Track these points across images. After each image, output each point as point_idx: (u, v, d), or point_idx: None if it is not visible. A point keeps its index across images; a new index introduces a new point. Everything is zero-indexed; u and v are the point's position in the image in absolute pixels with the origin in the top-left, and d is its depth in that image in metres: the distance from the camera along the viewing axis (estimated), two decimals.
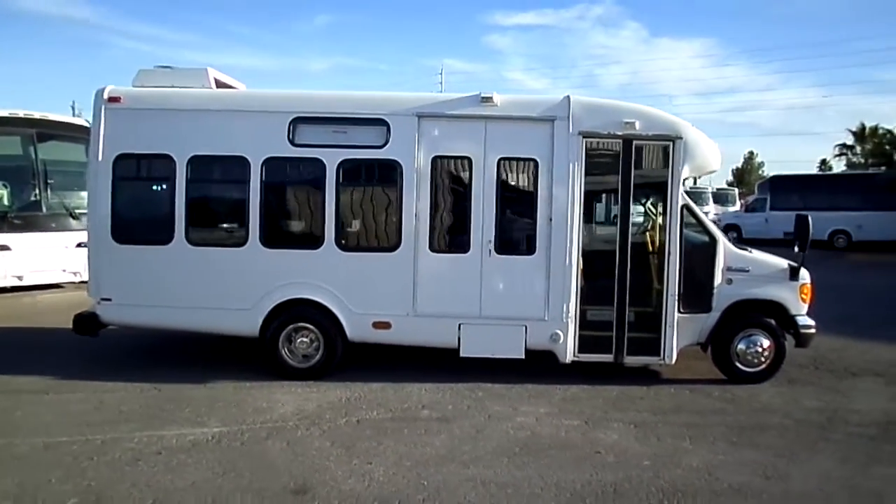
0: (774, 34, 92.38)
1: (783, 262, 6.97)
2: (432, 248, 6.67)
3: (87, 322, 6.92)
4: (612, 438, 5.34)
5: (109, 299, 6.82)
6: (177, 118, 6.79)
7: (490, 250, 6.64)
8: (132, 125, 6.79)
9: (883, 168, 23.73)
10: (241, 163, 6.70)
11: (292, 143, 6.69)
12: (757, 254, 7.08)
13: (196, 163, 6.75)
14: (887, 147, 24.75)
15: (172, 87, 7.00)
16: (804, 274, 6.90)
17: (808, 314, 6.93)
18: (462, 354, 6.75)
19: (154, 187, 7.14)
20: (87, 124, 13.07)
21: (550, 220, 6.59)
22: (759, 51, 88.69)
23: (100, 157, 6.75)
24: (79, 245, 12.22)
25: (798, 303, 6.90)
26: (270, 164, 6.71)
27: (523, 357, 6.75)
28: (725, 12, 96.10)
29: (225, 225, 7.03)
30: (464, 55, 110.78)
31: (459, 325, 6.69)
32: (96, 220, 6.81)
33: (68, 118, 12.86)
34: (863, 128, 30.53)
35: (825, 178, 28.23)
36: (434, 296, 6.67)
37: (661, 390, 6.67)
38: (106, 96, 6.78)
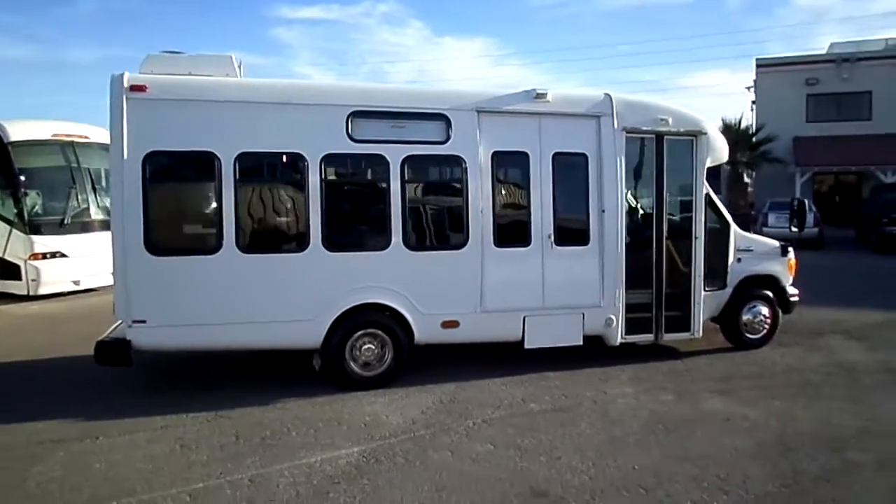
0: (547, 37, 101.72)
1: (775, 242, 8.07)
2: (497, 244, 6.67)
3: (115, 350, 5.87)
4: (720, 407, 5.85)
5: (144, 321, 5.85)
6: (218, 111, 6.02)
7: (551, 243, 6.82)
8: (163, 118, 5.90)
9: None
10: (297, 160, 6.15)
11: (351, 138, 6.27)
12: (755, 235, 8.09)
13: (245, 160, 6.04)
14: None
15: (190, 74, 6.20)
16: (790, 251, 8.05)
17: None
18: (527, 346, 6.86)
19: (195, 189, 6.24)
20: None
21: (603, 211, 6.94)
22: (534, 52, 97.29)
23: (125, 156, 5.75)
24: None
25: (787, 275, 8.03)
26: (329, 160, 6.23)
27: (581, 344, 7.05)
28: (502, 15, 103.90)
29: (281, 229, 6.36)
30: (250, 48, 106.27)
31: (524, 318, 6.79)
32: (124, 229, 5.79)
33: None
34: None
35: None
36: (500, 290, 6.68)
37: (696, 362, 7.36)
38: (126, 84, 5.79)
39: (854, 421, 5.43)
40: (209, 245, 5.97)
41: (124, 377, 6.72)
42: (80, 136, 12.89)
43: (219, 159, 5.94)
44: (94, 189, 12.85)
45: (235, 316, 6.07)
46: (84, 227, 12.49)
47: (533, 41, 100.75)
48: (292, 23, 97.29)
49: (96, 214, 12.71)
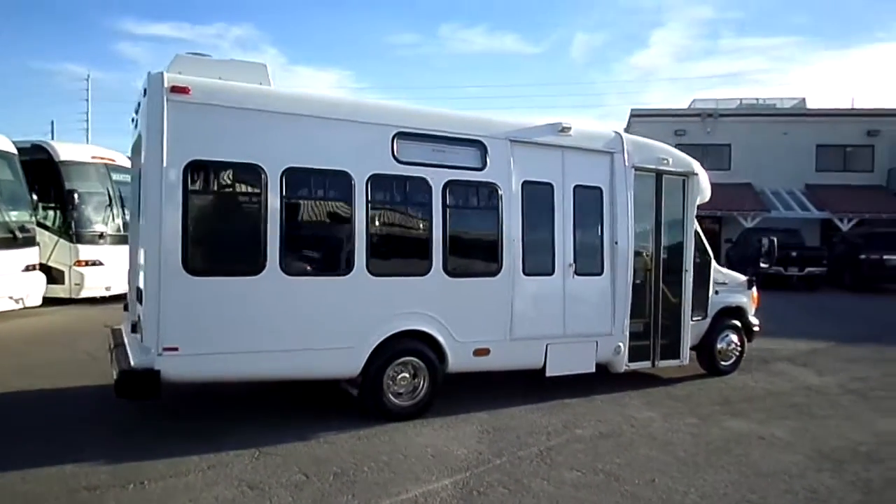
0: (400, 74, 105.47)
1: (743, 276, 8.84)
2: (525, 272, 6.74)
3: (142, 381, 5.17)
4: (745, 428, 6.24)
5: (176, 348, 5.23)
6: (265, 121, 5.60)
7: (572, 272, 7.00)
8: (206, 125, 5.40)
9: None
10: (344, 179, 5.86)
11: (397, 159, 6.10)
12: (727, 270, 8.82)
13: (291, 176, 5.66)
14: None
15: (220, 79, 5.74)
16: (754, 285, 8.87)
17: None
18: (548, 374, 6.94)
19: (238, 204, 5.70)
20: None
21: (616, 242, 7.26)
22: (388, 87, 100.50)
23: (164, 164, 5.18)
24: None
25: (752, 307, 8.82)
26: (375, 181, 6.00)
27: (594, 371, 7.25)
28: (357, 50, 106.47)
29: (326, 250, 5.96)
30: (89, 62, 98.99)
31: (547, 346, 6.89)
32: (160, 246, 5.16)
33: None
34: None
35: None
36: (527, 318, 6.74)
37: (686, 387, 7.83)
38: (167, 85, 5.25)
39: (867, 437, 6.04)
40: (252, 266, 5.49)
41: (114, 411, 5.97)
42: None
43: (265, 173, 5.52)
44: None
45: (275, 343, 5.60)
46: None
47: (387, 77, 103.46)
48: (138, 38, 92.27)
49: None
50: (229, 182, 5.66)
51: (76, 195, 13.28)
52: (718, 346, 8.45)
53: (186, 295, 5.27)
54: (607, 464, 5.19)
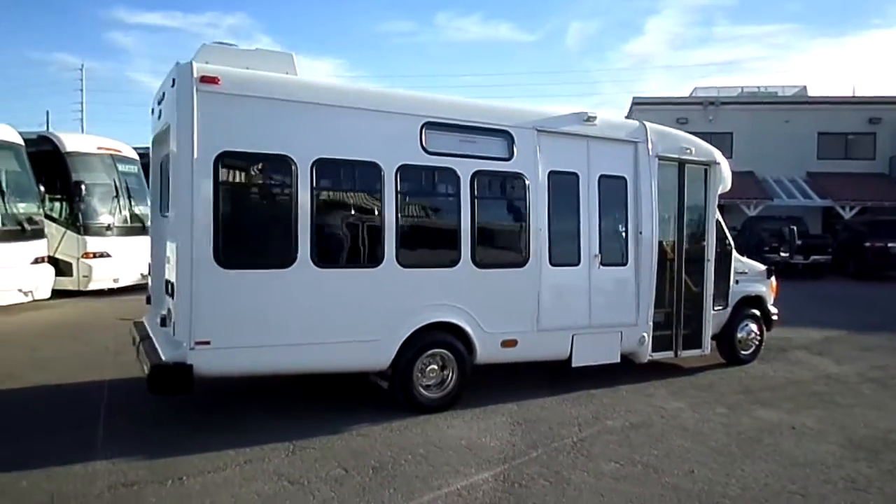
0: (395, 63, 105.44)
1: (762, 266, 8.83)
2: (552, 263, 6.70)
3: (175, 375, 5.12)
4: (774, 417, 6.24)
5: (208, 342, 5.17)
6: (294, 112, 5.52)
7: (598, 263, 6.96)
8: (235, 116, 5.31)
9: None
10: (373, 169, 5.80)
11: (425, 150, 6.04)
12: (747, 259, 8.80)
13: (321, 167, 5.59)
14: None
15: (247, 69, 5.65)
16: (773, 275, 8.86)
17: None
18: (574, 364, 6.92)
19: (269, 195, 5.64)
20: None
21: (640, 232, 7.22)
22: (383, 76, 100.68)
23: (195, 155, 5.10)
24: None
25: (771, 296, 8.81)
26: (404, 172, 5.93)
27: (618, 361, 7.24)
28: (352, 39, 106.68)
29: (356, 242, 5.88)
30: (80, 51, 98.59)
31: (573, 337, 6.86)
32: (191, 239, 5.09)
33: None
34: None
35: None
36: (554, 309, 6.71)
37: (708, 377, 7.81)
38: (196, 75, 5.16)
39: (895, 425, 6.06)
40: (283, 258, 5.43)
41: (139, 405, 5.93)
42: None
43: (295, 164, 5.45)
44: None
45: (305, 336, 5.55)
46: None
47: (382, 65, 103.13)
48: (130, 28, 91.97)
49: None
50: (259, 173, 5.60)
51: (83, 186, 13.15)
52: (739, 335, 8.44)
53: (218, 288, 5.21)
54: (644, 455, 5.18)
